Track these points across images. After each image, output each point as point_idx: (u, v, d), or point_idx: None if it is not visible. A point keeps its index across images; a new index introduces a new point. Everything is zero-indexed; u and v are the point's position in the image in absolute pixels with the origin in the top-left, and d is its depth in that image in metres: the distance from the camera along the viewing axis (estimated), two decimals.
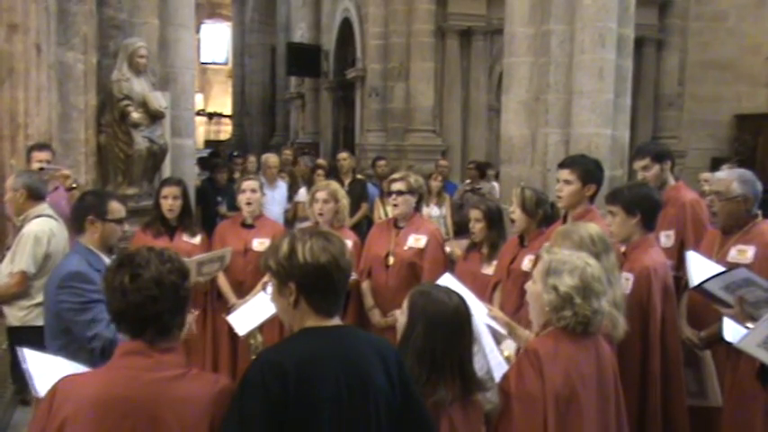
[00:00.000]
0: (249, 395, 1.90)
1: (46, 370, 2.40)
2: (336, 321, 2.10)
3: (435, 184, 8.21)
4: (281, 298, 2.07)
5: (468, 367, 2.38)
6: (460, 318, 2.38)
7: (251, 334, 4.04)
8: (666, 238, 4.30)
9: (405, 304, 2.44)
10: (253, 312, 4.08)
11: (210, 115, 26.78)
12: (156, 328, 1.97)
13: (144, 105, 6.19)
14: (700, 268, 3.46)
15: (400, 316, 2.45)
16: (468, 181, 9.45)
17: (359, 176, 8.73)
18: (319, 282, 2.02)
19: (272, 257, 2.06)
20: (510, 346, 3.19)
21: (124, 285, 1.94)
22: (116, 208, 3.39)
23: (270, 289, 2.15)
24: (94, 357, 2.92)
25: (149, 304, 1.94)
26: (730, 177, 3.78)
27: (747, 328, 3.01)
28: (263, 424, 1.87)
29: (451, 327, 2.35)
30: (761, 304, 3.16)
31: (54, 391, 1.96)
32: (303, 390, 1.90)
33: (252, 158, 9.94)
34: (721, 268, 3.43)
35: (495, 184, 9.12)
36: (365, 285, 4.72)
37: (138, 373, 1.93)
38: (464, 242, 5.03)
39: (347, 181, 8.09)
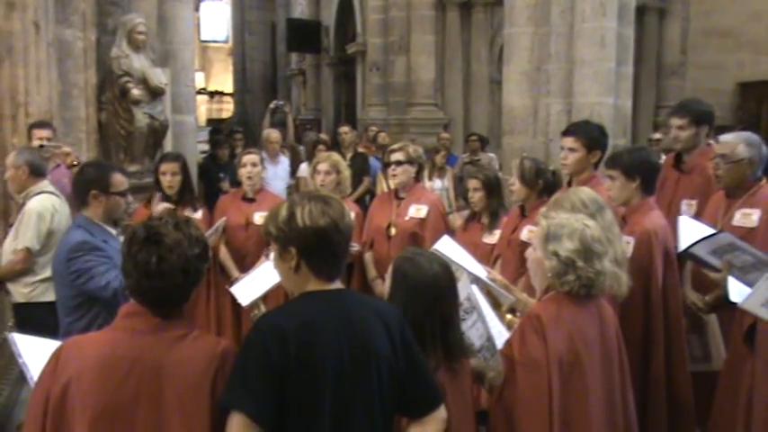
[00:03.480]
0: (251, 358, 1.91)
1: (42, 359, 2.31)
2: (338, 285, 2.10)
3: (440, 159, 8.21)
4: (283, 263, 2.07)
5: (450, 333, 2.37)
6: (439, 284, 2.37)
7: (254, 304, 4.06)
8: (688, 206, 4.19)
9: (389, 270, 2.45)
10: (256, 282, 4.09)
11: (212, 93, 26.67)
12: (170, 304, 1.98)
13: (144, 82, 6.20)
14: (689, 232, 3.44)
15: (386, 280, 2.45)
16: (464, 155, 9.45)
17: (360, 150, 8.72)
18: (319, 245, 2.02)
19: (272, 222, 2.06)
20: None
21: (150, 267, 1.91)
22: (119, 180, 3.34)
23: (272, 255, 2.15)
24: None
25: (171, 289, 1.94)
26: (736, 140, 3.73)
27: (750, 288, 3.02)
28: (265, 387, 1.88)
29: (431, 293, 2.34)
30: (748, 268, 3.16)
31: (58, 352, 1.97)
32: (304, 353, 1.90)
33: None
34: (711, 230, 3.42)
35: (493, 155, 9.14)
36: (368, 256, 4.75)
37: (141, 333, 1.94)
38: (465, 213, 5.03)
39: (349, 155, 8.08)
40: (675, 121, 4.35)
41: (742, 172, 3.71)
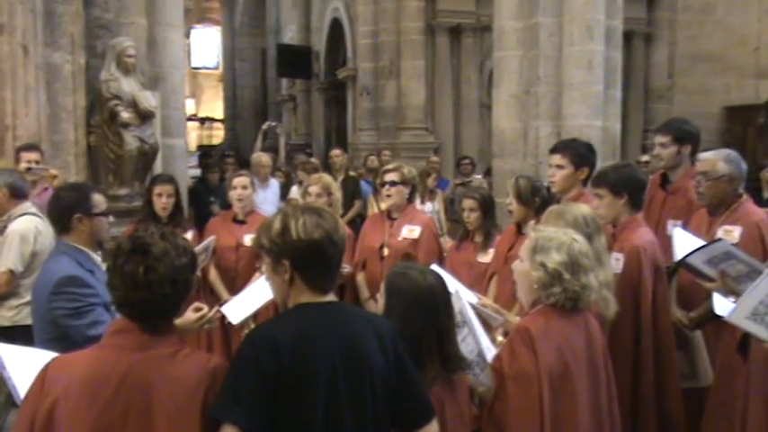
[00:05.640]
0: (243, 370, 1.88)
1: (27, 368, 2.26)
2: (331, 297, 2.08)
3: (431, 182, 8.24)
4: (276, 276, 2.05)
5: (447, 345, 2.36)
6: (435, 296, 2.36)
7: (245, 323, 4.02)
8: (674, 226, 4.14)
9: (382, 287, 2.43)
10: (246, 301, 4.06)
11: (202, 120, 26.68)
12: (159, 317, 1.95)
13: (134, 105, 6.16)
14: (685, 244, 3.46)
15: (380, 298, 2.44)
16: (456, 178, 9.51)
17: (352, 174, 8.73)
18: (313, 258, 2.00)
19: (265, 235, 2.04)
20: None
21: (137, 278, 1.87)
22: (99, 199, 3.20)
23: (264, 267, 2.12)
24: None
25: (160, 301, 1.91)
26: (716, 157, 3.79)
27: (734, 302, 3.02)
28: (257, 399, 1.85)
29: (427, 306, 2.34)
30: (742, 278, 3.18)
31: (45, 371, 1.92)
32: (297, 365, 1.88)
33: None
34: (704, 242, 3.43)
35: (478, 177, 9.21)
36: (360, 278, 4.73)
37: (131, 351, 1.90)
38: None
39: (340, 178, 8.08)
40: (658, 139, 4.42)
41: (723, 188, 3.74)
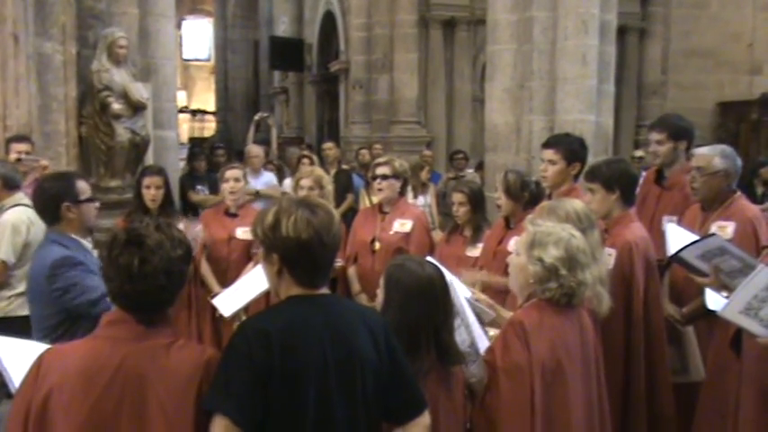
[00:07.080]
0: (234, 362, 1.88)
1: (20, 360, 2.25)
2: (323, 290, 2.07)
3: (425, 175, 8.23)
4: (268, 265, 2.06)
5: (444, 338, 2.37)
6: (434, 287, 2.37)
7: (236, 315, 4.00)
8: (669, 222, 4.13)
9: (381, 280, 2.43)
10: (238, 293, 4.05)
11: (194, 112, 26.54)
12: (154, 308, 1.94)
13: (125, 96, 6.12)
14: (678, 239, 3.46)
15: (379, 293, 2.45)
16: (449, 172, 9.51)
17: (344, 167, 8.70)
18: (301, 257, 1.99)
19: (259, 226, 2.04)
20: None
21: (132, 269, 1.87)
22: (84, 186, 3.22)
23: (260, 253, 2.13)
24: None
25: (155, 292, 1.90)
26: (712, 152, 3.79)
27: (726, 297, 3.02)
28: (248, 391, 1.85)
29: (426, 297, 2.34)
30: (735, 274, 3.17)
31: (39, 361, 1.91)
32: (288, 357, 1.88)
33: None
34: (698, 236, 3.44)
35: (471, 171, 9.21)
36: (351, 271, 4.73)
37: (125, 341, 1.90)
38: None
39: (332, 171, 8.05)
40: (654, 136, 4.38)
41: (718, 184, 3.75)
